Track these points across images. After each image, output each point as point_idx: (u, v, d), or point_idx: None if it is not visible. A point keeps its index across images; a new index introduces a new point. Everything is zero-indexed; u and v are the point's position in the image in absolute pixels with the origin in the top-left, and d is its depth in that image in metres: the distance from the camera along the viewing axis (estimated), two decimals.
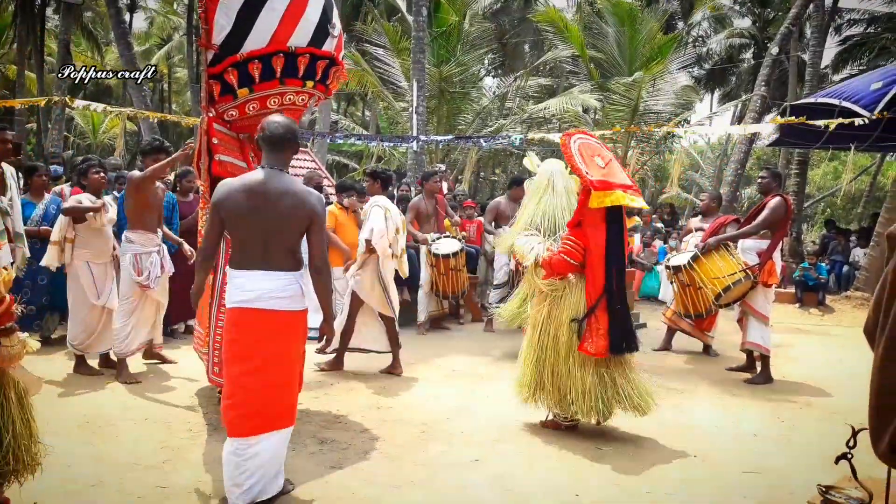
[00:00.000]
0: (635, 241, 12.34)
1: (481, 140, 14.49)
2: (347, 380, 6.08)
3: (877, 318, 2.03)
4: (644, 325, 9.23)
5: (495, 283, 8.38)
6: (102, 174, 6.03)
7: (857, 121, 9.62)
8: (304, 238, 3.53)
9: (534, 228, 5.00)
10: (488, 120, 19.54)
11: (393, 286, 6.27)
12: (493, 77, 27.01)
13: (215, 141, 4.57)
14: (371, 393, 5.70)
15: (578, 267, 4.59)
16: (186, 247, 6.41)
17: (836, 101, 10.37)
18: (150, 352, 6.23)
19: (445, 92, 17.93)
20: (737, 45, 27.86)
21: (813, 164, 26.20)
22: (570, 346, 4.58)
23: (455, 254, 8.08)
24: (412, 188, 11.53)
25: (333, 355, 6.35)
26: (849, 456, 2.67)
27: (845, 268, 13.40)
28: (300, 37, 4.48)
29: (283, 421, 3.49)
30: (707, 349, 7.70)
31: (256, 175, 3.48)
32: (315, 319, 3.83)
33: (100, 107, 11.51)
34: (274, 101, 4.61)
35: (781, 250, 7.13)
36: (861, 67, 22.12)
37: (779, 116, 13.35)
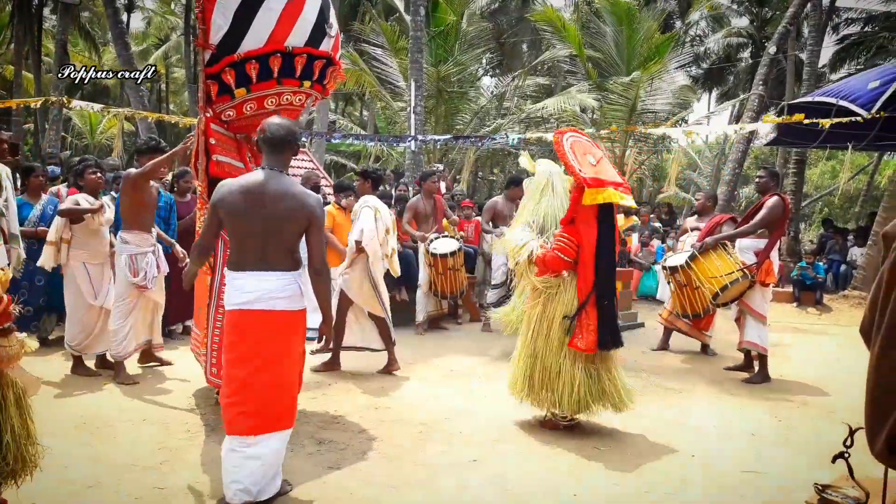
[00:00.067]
0: (633, 241, 12.35)
1: (479, 140, 14.49)
2: (345, 380, 6.07)
3: (873, 318, 2.03)
4: (642, 325, 9.24)
5: (493, 283, 8.37)
6: (99, 174, 6.01)
7: (859, 119, 9.63)
8: (303, 238, 3.54)
9: (536, 228, 5.00)
10: (486, 119, 19.54)
11: (383, 285, 6.27)
12: (491, 77, 27.05)
13: (213, 141, 4.56)
14: (369, 393, 5.69)
15: (572, 264, 4.62)
16: (178, 248, 6.40)
17: (833, 100, 10.39)
18: (146, 355, 6.19)
19: (443, 91, 17.93)
20: (734, 44, 27.90)
21: (810, 163, 26.17)
22: (564, 343, 4.62)
23: (453, 253, 8.07)
24: (410, 188, 11.52)
25: (328, 356, 6.35)
26: (846, 455, 2.67)
27: (843, 267, 13.42)
28: (297, 37, 4.48)
29: (283, 422, 3.50)
30: (705, 348, 7.71)
31: (256, 176, 3.49)
32: (312, 320, 3.83)
33: (97, 107, 11.50)
34: (271, 102, 4.61)
35: (779, 249, 7.13)
36: (858, 66, 22.14)
37: (774, 116, 13.35)
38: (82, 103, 12.88)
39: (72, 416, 4.73)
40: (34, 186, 6.96)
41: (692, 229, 7.94)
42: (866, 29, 23.39)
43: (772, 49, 15.66)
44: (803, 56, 18.74)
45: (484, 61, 23.65)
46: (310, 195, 3.53)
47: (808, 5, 16.55)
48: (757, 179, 6.92)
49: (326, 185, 13.13)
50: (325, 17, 4.64)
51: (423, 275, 8.33)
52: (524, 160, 5.45)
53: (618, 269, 9.25)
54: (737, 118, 23.71)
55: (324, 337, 6.58)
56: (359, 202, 6.37)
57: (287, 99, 4.66)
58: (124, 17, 24.57)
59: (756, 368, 6.65)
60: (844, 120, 9.72)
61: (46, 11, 24.44)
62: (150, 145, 5.98)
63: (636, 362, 7.08)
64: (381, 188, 12.52)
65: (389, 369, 6.33)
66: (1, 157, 5.54)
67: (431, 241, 8.22)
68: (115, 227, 6.03)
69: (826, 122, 9.74)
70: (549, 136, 11.78)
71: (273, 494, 3.46)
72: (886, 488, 2.48)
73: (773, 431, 5.05)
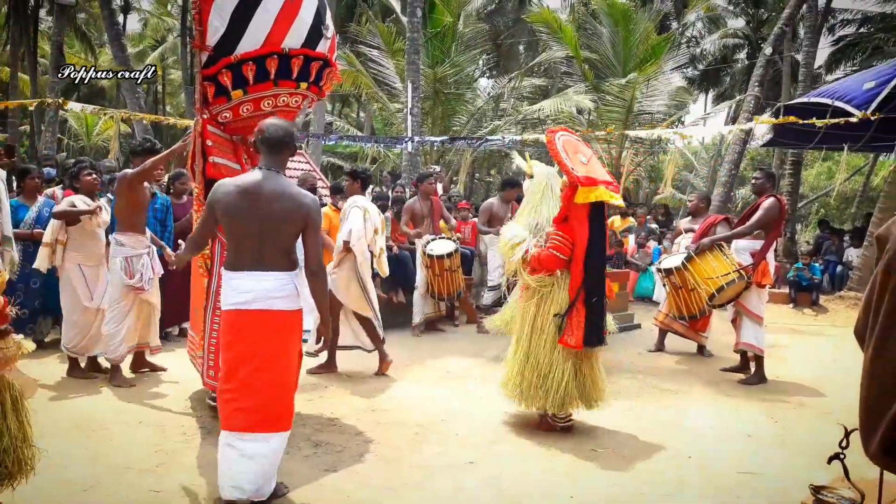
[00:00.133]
0: (630, 242, 12.36)
1: (476, 141, 14.50)
2: (341, 382, 6.07)
3: (866, 320, 2.04)
4: (638, 326, 9.24)
5: (489, 284, 8.37)
6: (95, 176, 5.99)
7: (850, 120, 9.65)
8: (300, 239, 3.55)
9: (535, 231, 5.01)
10: (483, 121, 19.55)
11: (371, 285, 6.27)
12: (488, 78, 27.06)
13: (210, 143, 4.56)
14: (365, 395, 5.69)
15: (567, 262, 4.63)
16: (169, 251, 6.35)
17: (829, 101, 10.41)
18: (138, 362, 6.07)
19: (440, 93, 17.94)
20: (731, 45, 27.94)
21: (807, 164, 26.26)
22: (556, 341, 4.65)
23: (450, 254, 8.06)
24: (407, 189, 11.53)
25: (325, 358, 6.35)
26: (841, 456, 2.68)
27: (839, 268, 13.43)
28: (294, 38, 4.49)
29: (281, 423, 3.50)
30: (701, 349, 7.72)
31: (253, 176, 3.51)
32: (306, 321, 3.83)
33: (92, 108, 11.48)
34: (268, 103, 4.61)
35: (775, 250, 7.14)
36: (854, 67, 22.19)
37: (769, 117, 13.37)
38: (78, 105, 12.85)
39: (68, 419, 4.73)
40: (30, 188, 6.95)
41: (686, 231, 7.94)
42: (862, 30, 23.45)
43: (768, 50, 15.67)
44: (799, 57, 18.79)
45: (480, 63, 23.71)
46: (306, 196, 3.53)
47: (804, 6, 16.57)
48: (753, 181, 6.93)
49: (323, 187, 13.11)
50: (322, 19, 4.65)
51: (421, 276, 8.33)
52: (519, 160, 5.46)
53: (615, 270, 9.38)
54: (733, 119, 23.73)
55: (321, 338, 6.57)
56: (348, 202, 6.37)
57: (284, 100, 4.67)
58: (120, 18, 24.55)
59: (752, 369, 6.65)
60: (839, 121, 9.73)
61: (42, 13, 24.44)
62: (145, 147, 5.97)
63: (632, 364, 7.09)
64: (377, 190, 12.56)
65: (382, 368, 6.32)
66: None
67: (428, 242, 8.22)
68: (110, 229, 6.02)
69: (820, 122, 9.75)
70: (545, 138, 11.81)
71: (268, 496, 3.46)
72: (882, 489, 2.49)
73: (770, 432, 5.06)
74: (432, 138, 15.31)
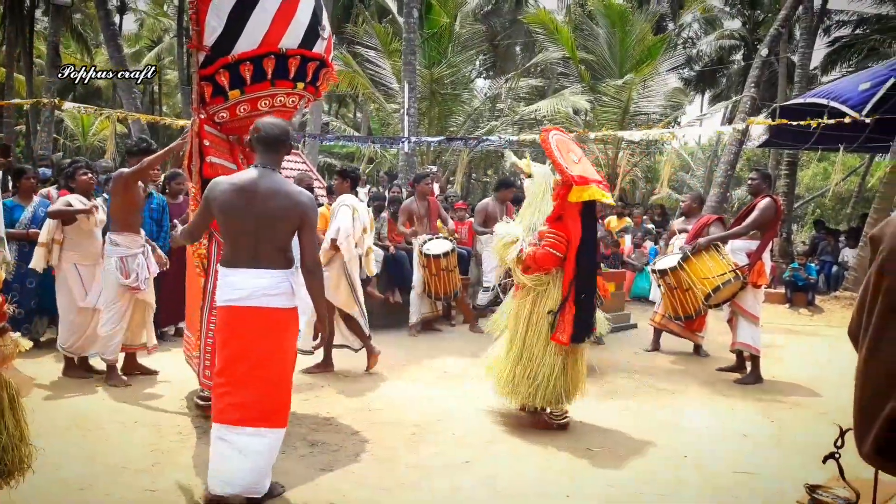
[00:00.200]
0: (626, 242, 12.38)
1: (473, 141, 14.51)
2: (337, 382, 6.07)
3: (860, 320, 2.05)
4: (635, 326, 9.25)
5: (484, 285, 8.37)
6: (90, 175, 5.98)
7: (846, 120, 9.67)
8: (296, 238, 3.56)
9: (535, 232, 5.02)
10: (479, 121, 19.56)
11: (359, 283, 6.29)
12: (485, 79, 27.06)
13: (207, 143, 4.56)
14: (361, 395, 5.69)
15: (562, 260, 4.65)
16: (160, 252, 6.33)
17: (825, 101, 10.43)
18: (130, 364, 5.99)
19: (437, 93, 17.95)
20: (727, 46, 27.97)
21: (802, 164, 26.30)
22: (549, 338, 4.69)
23: (446, 254, 8.07)
24: (403, 190, 11.53)
25: (321, 358, 6.35)
26: (836, 456, 2.69)
27: (834, 268, 13.46)
28: (291, 38, 4.49)
29: (275, 419, 3.50)
30: (697, 349, 7.73)
31: (249, 174, 3.52)
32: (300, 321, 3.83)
33: (87, 108, 11.46)
34: (265, 103, 4.60)
35: (771, 251, 7.15)
36: (850, 69, 22.24)
37: (765, 118, 13.40)
38: (74, 105, 12.83)
39: (64, 418, 4.72)
40: (25, 188, 6.92)
41: (679, 231, 7.94)
42: (857, 31, 23.49)
43: (764, 51, 15.70)
44: (795, 58, 18.82)
45: (477, 63, 23.72)
46: (303, 194, 3.54)
47: (800, 8, 16.62)
48: (749, 181, 6.95)
49: (319, 187, 13.09)
50: (318, 19, 4.65)
51: (417, 276, 8.33)
52: (514, 159, 5.47)
53: (611, 270, 9.38)
54: (729, 120, 23.76)
55: (318, 335, 6.58)
56: (336, 201, 6.38)
57: (280, 100, 4.66)
58: (116, 18, 24.42)
59: (748, 369, 6.67)
60: (835, 122, 9.76)
61: (38, 13, 24.35)
62: (141, 146, 5.94)
63: (629, 363, 7.10)
64: (374, 190, 12.56)
65: (371, 362, 6.33)
66: None
67: (425, 241, 8.23)
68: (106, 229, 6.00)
69: (815, 123, 9.78)
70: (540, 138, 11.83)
71: (262, 495, 3.46)
72: (877, 489, 2.50)
73: (766, 432, 5.07)
74: (429, 139, 15.33)
